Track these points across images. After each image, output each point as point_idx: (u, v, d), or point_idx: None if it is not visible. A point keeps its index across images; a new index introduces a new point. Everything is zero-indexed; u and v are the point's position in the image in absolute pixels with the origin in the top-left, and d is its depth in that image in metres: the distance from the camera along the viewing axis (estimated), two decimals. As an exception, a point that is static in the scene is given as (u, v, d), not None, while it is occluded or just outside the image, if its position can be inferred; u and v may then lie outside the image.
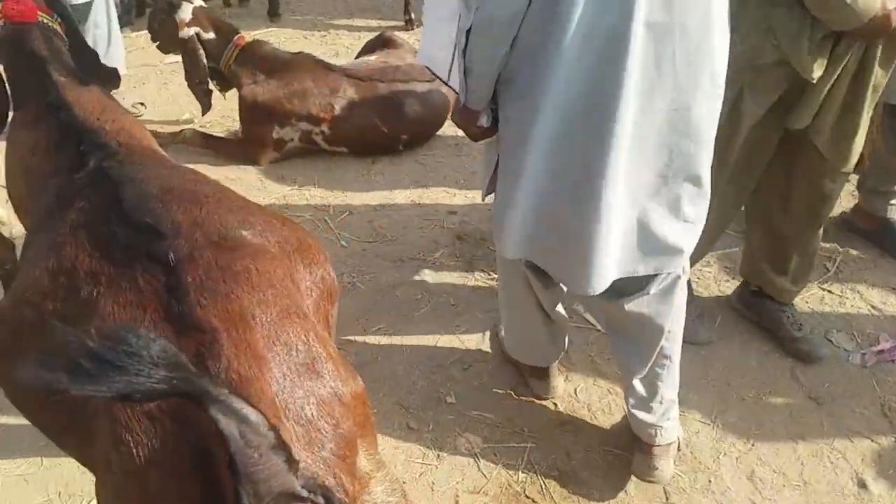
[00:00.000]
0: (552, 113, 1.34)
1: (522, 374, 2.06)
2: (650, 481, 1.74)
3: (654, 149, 1.38)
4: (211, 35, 3.03)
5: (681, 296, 1.61)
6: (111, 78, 1.92)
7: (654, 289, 1.55)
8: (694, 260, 2.27)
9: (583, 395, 2.03)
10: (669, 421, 1.71)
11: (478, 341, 2.23)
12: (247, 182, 3.04)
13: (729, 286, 2.44)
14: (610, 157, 1.33)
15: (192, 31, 2.97)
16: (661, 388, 1.68)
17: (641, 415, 1.70)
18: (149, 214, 0.99)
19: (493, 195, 1.63)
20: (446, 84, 1.74)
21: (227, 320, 0.84)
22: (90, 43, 3.18)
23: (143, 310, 0.87)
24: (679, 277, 1.57)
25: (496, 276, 2.24)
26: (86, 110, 1.38)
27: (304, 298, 1.01)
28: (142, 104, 3.50)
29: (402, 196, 2.98)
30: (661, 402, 1.69)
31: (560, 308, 1.85)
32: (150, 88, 3.77)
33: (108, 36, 3.27)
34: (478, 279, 2.51)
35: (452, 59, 1.64)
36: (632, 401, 1.71)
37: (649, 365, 1.66)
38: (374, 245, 2.69)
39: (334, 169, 3.16)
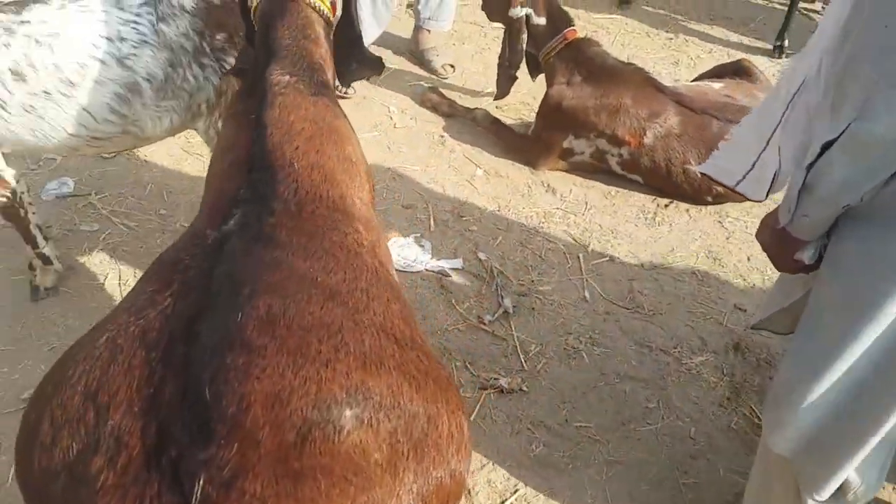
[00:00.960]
0: None
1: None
2: None
3: None
4: (542, 21, 2.66)
5: None
6: (371, 68, 1.60)
7: None
8: None
9: None
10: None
11: (704, 510, 1.62)
12: (514, 183, 2.69)
13: None
14: None
15: (523, 11, 2.63)
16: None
17: None
18: (215, 380, 0.67)
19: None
20: (731, 190, 1.35)
21: None
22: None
23: None
24: None
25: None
26: (286, 134, 1.05)
27: None
28: (451, 66, 3.33)
29: (683, 261, 2.37)
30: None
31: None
32: (467, 50, 3.58)
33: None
34: (738, 416, 1.85)
35: (752, 165, 1.30)
36: None
37: None
38: (625, 313, 2.16)
39: (615, 197, 2.65)
